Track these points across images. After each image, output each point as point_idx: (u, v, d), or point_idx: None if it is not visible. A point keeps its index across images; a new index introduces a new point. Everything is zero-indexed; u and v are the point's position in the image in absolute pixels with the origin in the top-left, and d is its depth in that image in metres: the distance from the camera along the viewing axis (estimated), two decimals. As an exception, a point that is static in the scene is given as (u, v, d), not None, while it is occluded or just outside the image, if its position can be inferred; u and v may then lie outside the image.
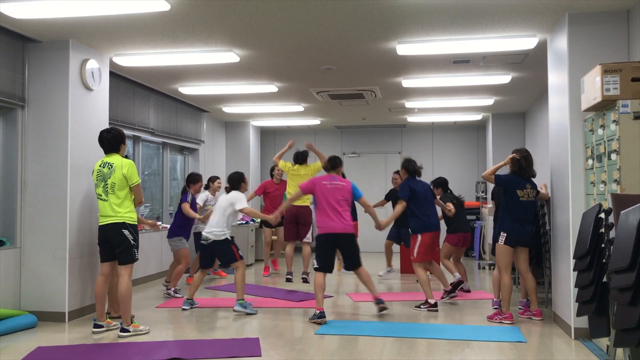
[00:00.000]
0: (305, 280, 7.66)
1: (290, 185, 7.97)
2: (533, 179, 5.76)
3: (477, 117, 11.19)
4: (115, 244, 5.18)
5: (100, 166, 5.23)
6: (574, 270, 4.61)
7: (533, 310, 5.76)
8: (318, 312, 5.58)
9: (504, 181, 5.66)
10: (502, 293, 5.66)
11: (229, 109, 10.15)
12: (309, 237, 7.93)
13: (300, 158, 8.03)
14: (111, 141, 5.27)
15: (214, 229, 6.14)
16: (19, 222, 5.79)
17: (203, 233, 6.22)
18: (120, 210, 5.16)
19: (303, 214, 7.82)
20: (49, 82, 5.83)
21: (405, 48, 6.05)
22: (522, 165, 5.62)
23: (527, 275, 5.72)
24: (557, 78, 5.49)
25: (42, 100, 5.84)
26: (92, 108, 6.18)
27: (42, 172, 5.80)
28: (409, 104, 9.63)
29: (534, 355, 4.50)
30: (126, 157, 5.42)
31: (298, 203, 7.46)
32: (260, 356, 4.47)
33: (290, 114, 10.91)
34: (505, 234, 5.56)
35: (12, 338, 5.08)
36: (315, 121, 11.67)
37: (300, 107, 9.96)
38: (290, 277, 7.86)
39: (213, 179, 8.08)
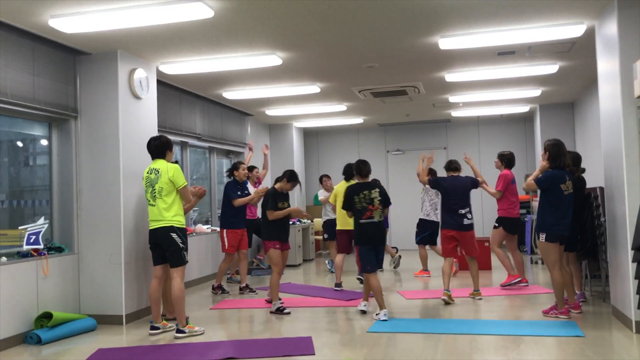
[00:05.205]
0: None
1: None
2: (583, 175, 5.58)
3: (524, 108, 10.95)
4: (165, 247, 5.32)
5: (147, 172, 5.38)
6: (632, 261, 4.48)
7: (571, 303, 5.61)
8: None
9: (547, 179, 5.40)
10: (554, 290, 5.53)
11: (272, 111, 10.25)
12: None
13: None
14: (158, 147, 5.42)
15: None
16: (76, 229, 5.99)
17: None
18: (168, 214, 5.29)
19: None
20: (99, 93, 6.02)
21: (447, 42, 5.98)
22: (556, 153, 5.42)
23: (563, 271, 5.58)
24: (607, 65, 5.33)
25: (93, 110, 6.03)
26: (141, 116, 6.35)
27: (95, 179, 5.99)
28: (453, 99, 9.51)
29: (594, 350, 4.38)
30: (176, 162, 5.55)
31: (347, 227, 7.23)
32: (314, 354, 4.49)
33: (332, 114, 10.93)
34: (545, 233, 5.40)
35: (73, 341, 5.26)
36: (358, 120, 11.65)
37: (342, 107, 9.97)
38: (340, 288, 7.44)
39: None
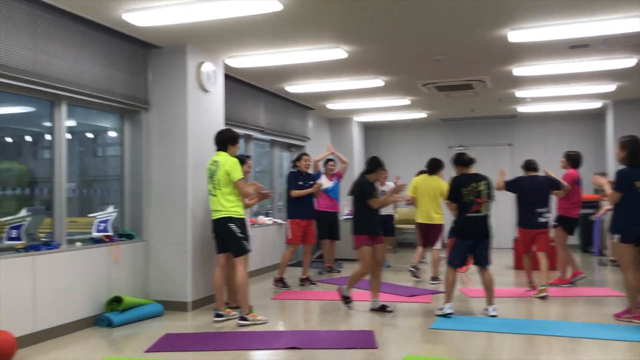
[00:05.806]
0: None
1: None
2: None
3: (596, 104, 10.54)
4: (225, 237, 5.44)
5: (210, 164, 5.51)
6: None
7: None
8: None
9: (623, 178, 5.17)
10: (627, 293, 5.30)
11: (333, 105, 10.27)
12: (438, 245, 7.79)
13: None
14: (221, 140, 5.53)
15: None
16: (145, 217, 6.19)
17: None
18: (226, 205, 5.38)
19: (433, 229, 7.70)
20: (168, 86, 6.19)
21: (517, 35, 5.82)
22: (634, 150, 5.19)
23: (638, 273, 5.29)
24: (691, 58, 5.05)
25: (163, 103, 6.21)
26: (209, 109, 6.48)
27: (164, 170, 6.16)
28: (520, 94, 9.26)
29: (671, 357, 4.18)
30: (248, 157, 5.60)
31: (431, 222, 7.60)
32: (377, 348, 4.49)
33: (395, 108, 10.84)
34: (619, 234, 5.19)
35: (142, 325, 5.45)
36: (421, 114, 11.52)
37: (406, 101, 9.87)
38: (415, 269, 7.94)
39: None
